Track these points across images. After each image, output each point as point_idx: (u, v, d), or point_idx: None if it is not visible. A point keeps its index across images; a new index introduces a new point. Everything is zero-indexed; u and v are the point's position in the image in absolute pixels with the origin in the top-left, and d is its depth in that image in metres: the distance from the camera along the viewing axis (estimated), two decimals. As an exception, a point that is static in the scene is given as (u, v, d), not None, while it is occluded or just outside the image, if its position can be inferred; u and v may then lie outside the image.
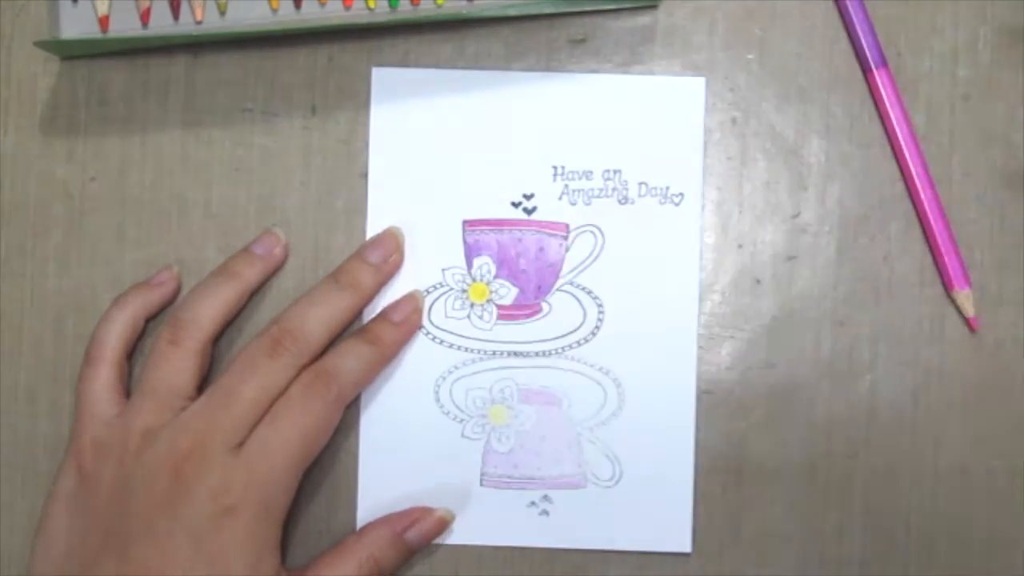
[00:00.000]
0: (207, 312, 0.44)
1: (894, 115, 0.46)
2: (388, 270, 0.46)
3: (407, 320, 0.46)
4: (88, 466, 0.43)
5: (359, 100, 0.47)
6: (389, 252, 0.46)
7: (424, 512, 0.45)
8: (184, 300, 0.45)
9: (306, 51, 0.47)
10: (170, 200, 0.47)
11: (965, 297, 0.46)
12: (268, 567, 0.41)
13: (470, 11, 0.45)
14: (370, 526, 0.45)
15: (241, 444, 0.42)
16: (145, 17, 0.45)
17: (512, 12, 0.45)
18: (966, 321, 0.46)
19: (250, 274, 0.45)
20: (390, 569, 0.44)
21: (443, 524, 0.45)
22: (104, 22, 0.45)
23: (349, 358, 0.44)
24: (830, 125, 0.47)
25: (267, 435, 0.42)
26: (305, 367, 0.43)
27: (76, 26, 0.45)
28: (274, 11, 0.45)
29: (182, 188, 0.47)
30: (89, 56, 0.47)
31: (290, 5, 0.45)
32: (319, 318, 0.44)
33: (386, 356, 0.45)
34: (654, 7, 0.47)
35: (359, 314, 0.46)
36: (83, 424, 0.43)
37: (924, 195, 0.46)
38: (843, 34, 0.47)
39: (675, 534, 0.46)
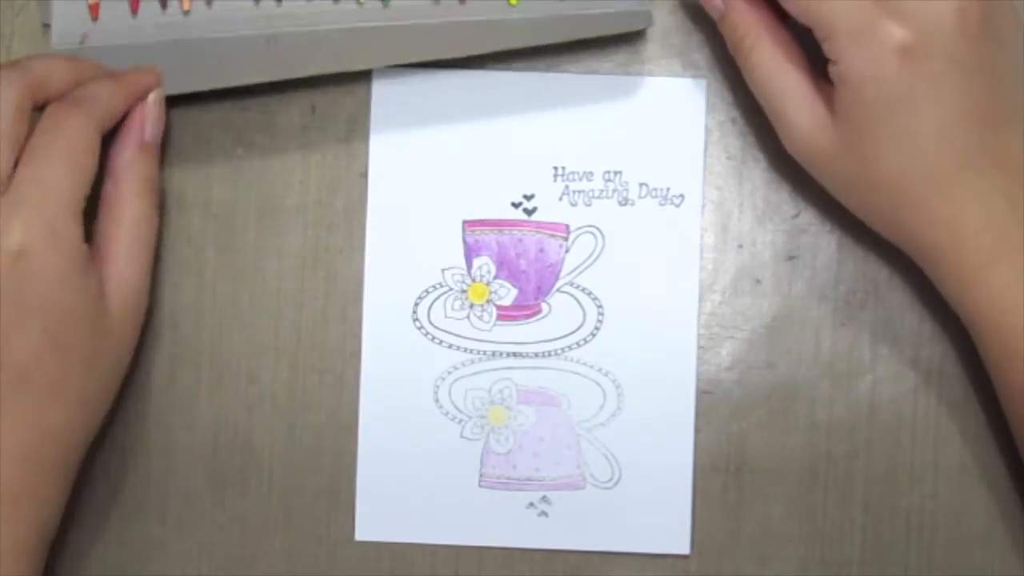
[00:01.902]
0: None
1: None
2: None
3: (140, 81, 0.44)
4: None
5: (359, 100, 0.47)
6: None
7: (140, 107, 0.44)
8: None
9: (306, 51, 0.47)
10: (170, 200, 0.47)
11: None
12: (83, 281, 0.40)
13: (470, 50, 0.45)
14: (112, 152, 0.43)
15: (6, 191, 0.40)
16: (134, 5, 0.45)
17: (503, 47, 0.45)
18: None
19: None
20: (155, 175, 0.44)
21: (161, 102, 0.44)
22: (94, 10, 0.45)
23: (90, 86, 0.42)
24: (830, 125, 0.47)
25: (29, 170, 0.40)
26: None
27: (66, 14, 0.45)
28: (257, 4, 0.45)
29: (182, 188, 0.47)
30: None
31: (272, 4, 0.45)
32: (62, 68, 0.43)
33: (130, 93, 0.43)
34: (643, 31, 0.46)
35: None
36: None
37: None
38: (844, 34, 0.47)
39: (674, 535, 0.46)
